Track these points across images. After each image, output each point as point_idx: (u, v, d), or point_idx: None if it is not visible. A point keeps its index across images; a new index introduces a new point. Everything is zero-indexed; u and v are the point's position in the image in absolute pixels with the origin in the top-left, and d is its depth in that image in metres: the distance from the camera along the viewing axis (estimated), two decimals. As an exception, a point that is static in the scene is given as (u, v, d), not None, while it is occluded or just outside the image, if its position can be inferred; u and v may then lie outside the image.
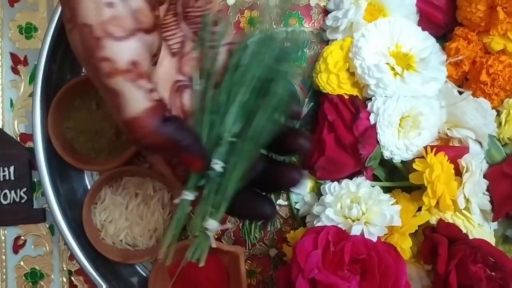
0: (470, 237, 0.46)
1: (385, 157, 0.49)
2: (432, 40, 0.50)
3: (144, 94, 0.28)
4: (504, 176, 0.48)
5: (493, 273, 0.42)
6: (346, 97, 0.50)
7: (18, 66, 0.57)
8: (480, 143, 0.49)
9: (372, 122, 0.48)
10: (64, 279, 0.56)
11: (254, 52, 0.34)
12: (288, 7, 0.56)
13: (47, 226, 0.56)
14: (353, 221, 0.46)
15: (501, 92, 0.49)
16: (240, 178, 0.33)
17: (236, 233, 0.55)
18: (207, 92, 0.34)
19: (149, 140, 0.28)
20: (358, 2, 0.50)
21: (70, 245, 0.50)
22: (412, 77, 0.48)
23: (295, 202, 0.54)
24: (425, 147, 0.48)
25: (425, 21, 0.52)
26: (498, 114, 0.50)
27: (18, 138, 0.57)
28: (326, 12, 0.55)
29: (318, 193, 0.52)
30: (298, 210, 0.53)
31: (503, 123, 0.50)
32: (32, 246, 0.56)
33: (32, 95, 0.51)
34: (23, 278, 0.56)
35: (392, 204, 0.47)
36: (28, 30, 0.57)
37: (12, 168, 0.55)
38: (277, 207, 0.54)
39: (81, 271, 0.56)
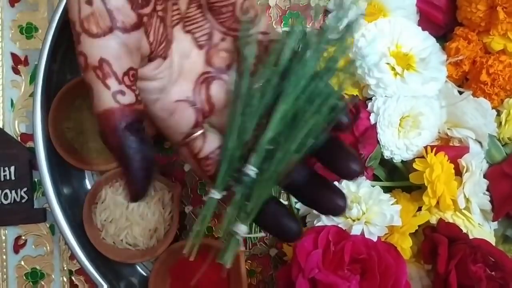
0: (470, 237, 0.46)
1: (385, 157, 0.49)
2: (432, 40, 0.50)
3: (109, 94, 0.28)
4: (504, 176, 0.48)
5: (493, 273, 0.42)
6: (347, 97, 0.50)
7: (19, 66, 0.57)
8: (480, 143, 0.49)
9: (372, 122, 0.48)
10: (65, 279, 0.56)
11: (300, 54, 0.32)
12: (288, 7, 0.56)
13: (48, 226, 0.56)
14: (353, 220, 0.46)
15: (501, 92, 0.49)
16: (273, 186, 0.33)
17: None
18: (240, 85, 0.33)
19: (105, 138, 0.29)
20: (358, 2, 0.50)
21: (70, 244, 0.50)
22: (412, 77, 0.48)
23: (295, 201, 0.54)
24: (425, 147, 0.48)
25: (425, 21, 0.52)
26: (498, 114, 0.50)
27: (19, 138, 0.57)
28: (326, 12, 0.55)
29: (318, 193, 0.52)
30: (298, 210, 0.53)
31: (503, 123, 0.50)
32: (33, 246, 0.56)
33: (32, 95, 0.50)
34: (24, 277, 0.56)
35: (392, 204, 0.47)
36: (28, 30, 0.57)
37: (12, 168, 0.55)
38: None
39: (81, 271, 0.56)
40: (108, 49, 0.28)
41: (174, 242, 0.52)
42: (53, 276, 0.56)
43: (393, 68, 0.48)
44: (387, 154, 0.49)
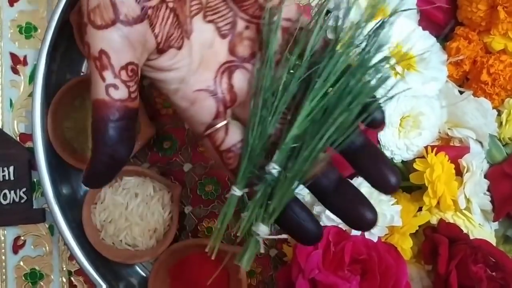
0: (471, 237, 0.46)
1: (385, 157, 0.49)
2: (433, 39, 0.50)
3: (103, 86, 0.29)
4: (505, 176, 0.48)
5: (493, 273, 0.42)
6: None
7: (18, 66, 0.57)
8: (480, 143, 0.49)
9: (372, 122, 0.48)
10: (64, 279, 0.56)
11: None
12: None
13: (47, 226, 0.56)
14: (354, 221, 0.46)
15: (502, 91, 0.49)
16: (297, 187, 0.31)
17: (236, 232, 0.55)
18: (263, 76, 0.31)
19: (92, 123, 0.30)
20: (358, 2, 0.50)
21: (69, 245, 0.50)
22: (412, 77, 0.48)
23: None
24: (426, 147, 0.48)
25: (426, 21, 0.52)
26: (499, 114, 0.50)
27: (18, 138, 0.56)
28: (326, 12, 0.55)
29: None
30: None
31: (503, 123, 0.50)
32: (32, 246, 0.56)
33: (31, 95, 0.50)
34: (23, 278, 0.56)
35: (392, 204, 0.47)
36: (27, 30, 0.57)
37: (11, 168, 0.55)
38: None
39: (80, 272, 0.56)
40: (109, 42, 0.28)
41: (174, 243, 0.52)
42: (52, 277, 0.56)
43: (393, 68, 0.48)
44: (387, 154, 0.49)
